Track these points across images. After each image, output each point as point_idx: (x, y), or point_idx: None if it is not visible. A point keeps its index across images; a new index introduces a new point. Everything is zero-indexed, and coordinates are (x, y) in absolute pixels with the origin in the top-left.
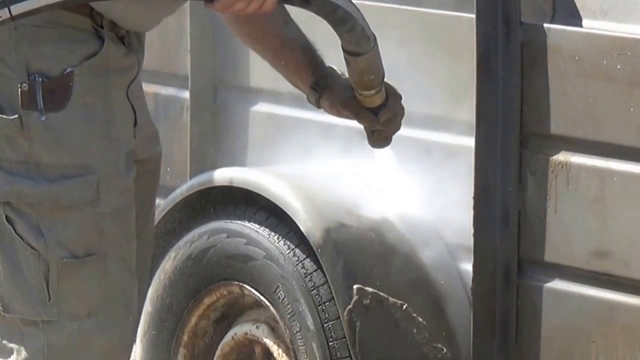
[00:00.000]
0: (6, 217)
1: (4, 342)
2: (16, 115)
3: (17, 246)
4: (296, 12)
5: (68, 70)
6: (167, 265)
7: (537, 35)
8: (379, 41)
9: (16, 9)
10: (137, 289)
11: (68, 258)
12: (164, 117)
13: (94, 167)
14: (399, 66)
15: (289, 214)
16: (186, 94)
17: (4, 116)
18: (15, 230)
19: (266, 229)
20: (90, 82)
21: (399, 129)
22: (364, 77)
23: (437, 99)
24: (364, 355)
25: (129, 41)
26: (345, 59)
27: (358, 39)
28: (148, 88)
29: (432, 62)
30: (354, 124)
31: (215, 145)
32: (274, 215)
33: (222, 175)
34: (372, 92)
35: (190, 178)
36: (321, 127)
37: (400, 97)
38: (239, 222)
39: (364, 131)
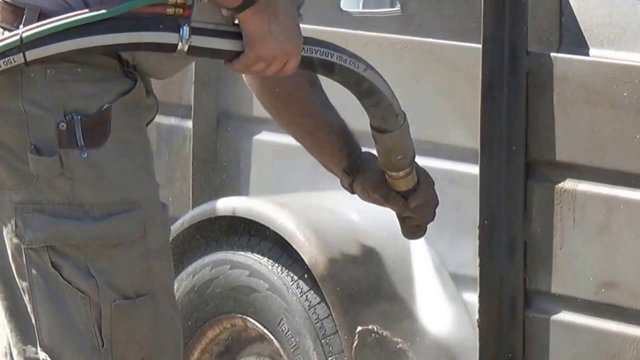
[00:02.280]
0: (51, 262)
1: None
2: (56, 156)
3: (65, 292)
4: None
5: (105, 107)
6: None
7: (543, 64)
8: (386, 71)
9: (31, 54)
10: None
11: (120, 300)
12: (166, 147)
13: (139, 202)
14: (406, 95)
15: (293, 245)
16: (189, 124)
17: (42, 157)
18: (62, 276)
19: (270, 260)
20: (126, 118)
21: (432, 219)
22: (391, 156)
23: (442, 127)
24: None
25: (147, 85)
26: (373, 135)
27: (384, 115)
28: None
29: (438, 90)
30: None
31: (218, 175)
32: (277, 246)
33: (225, 205)
34: (401, 173)
35: (193, 208)
36: None
37: (433, 184)
38: (242, 253)
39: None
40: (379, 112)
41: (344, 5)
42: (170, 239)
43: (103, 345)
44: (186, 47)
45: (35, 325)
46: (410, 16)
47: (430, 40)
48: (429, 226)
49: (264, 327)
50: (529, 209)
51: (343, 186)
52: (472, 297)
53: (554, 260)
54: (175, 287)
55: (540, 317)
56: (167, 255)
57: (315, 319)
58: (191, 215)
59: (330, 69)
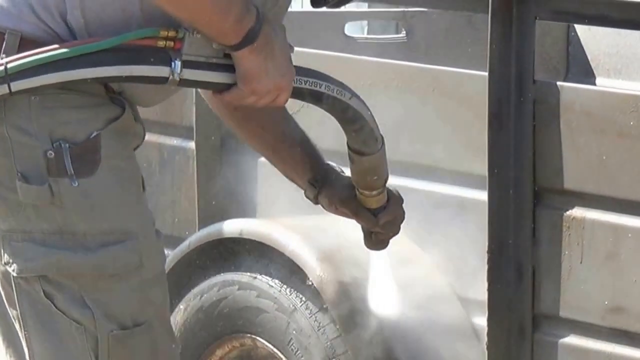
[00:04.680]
0: (44, 292)
1: None
2: (45, 185)
3: (59, 322)
4: None
5: (94, 135)
6: (177, 317)
7: (549, 93)
8: (391, 97)
9: (16, 86)
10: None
11: (117, 330)
12: (170, 168)
13: (134, 232)
14: (413, 121)
15: (301, 267)
16: (192, 144)
17: (32, 186)
18: (55, 306)
19: (278, 282)
20: (116, 145)
21: (397, 233)
22: (367, 177)
23: (451, 154)
24: None
25: (134, 112)
26: (350, 156)
27: (365, 139)
28: (153, 138)
29: (444, 118)
30: None
31: (223, 196)
32: (285, 267)
33: (232, 226)
34: (374, 192)
35: (199, 229)
36: None
37: (402, 201)
38: (250, 274)
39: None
40: (360, 136)
41: (348, 31)
42: (176, 260)
43: None
44: (177, 80)
45: (28, 354)
46: (416, 43)
47: (436, 67)
48: (438, 253)
49: (274, 346)
50: (537, 236)
51: (307, 197)
52: (481, 321)
53: (562, 285)
54: (182, 307)
55: (549, 341)
56: (163, 282)
57: (325, 340)
58: (197, 237)
59: (318, 99)
